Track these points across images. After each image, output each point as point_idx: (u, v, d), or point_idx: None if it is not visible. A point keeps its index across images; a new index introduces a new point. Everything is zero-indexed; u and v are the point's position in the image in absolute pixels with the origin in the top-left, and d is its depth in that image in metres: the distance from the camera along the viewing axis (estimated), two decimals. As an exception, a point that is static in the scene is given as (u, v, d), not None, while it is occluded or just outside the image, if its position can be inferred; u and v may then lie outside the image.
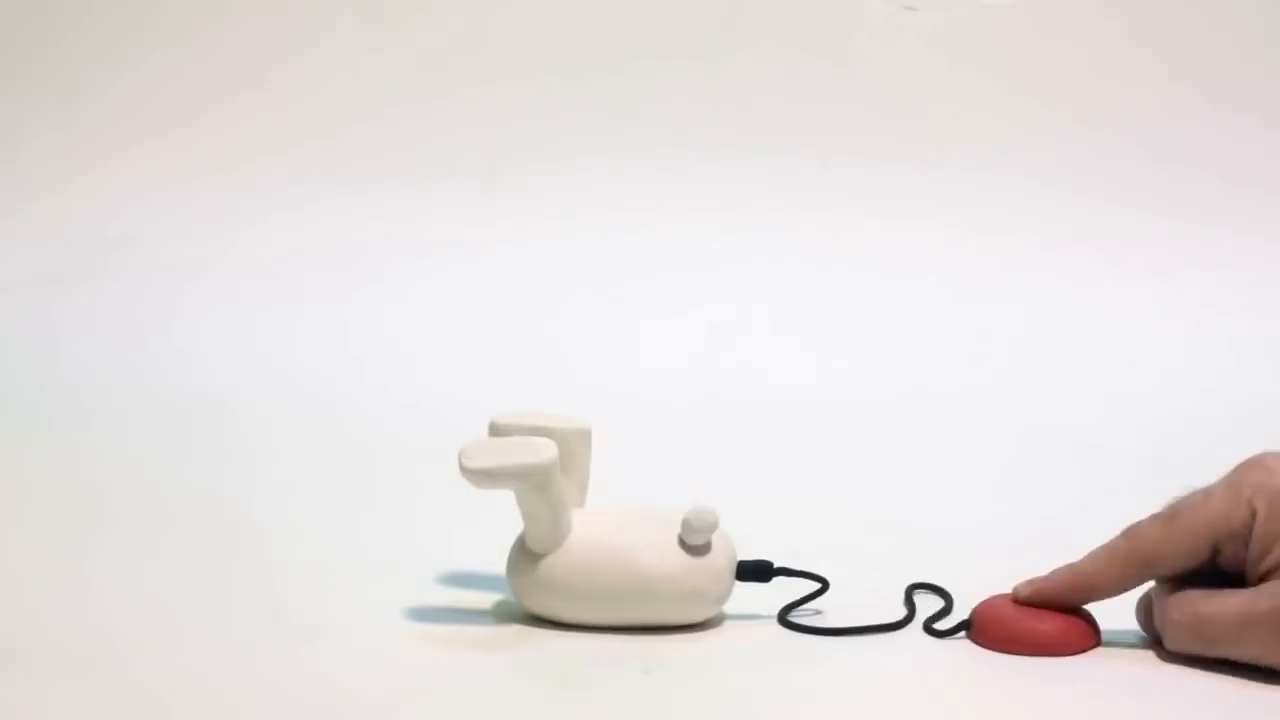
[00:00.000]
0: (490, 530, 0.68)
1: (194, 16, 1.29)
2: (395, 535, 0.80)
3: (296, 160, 1.26)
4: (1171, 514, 0.67)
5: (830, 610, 0.70)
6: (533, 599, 0.66)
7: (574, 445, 0.68)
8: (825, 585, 0.69)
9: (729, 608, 0.68)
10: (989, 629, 0.67)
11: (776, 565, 0.68)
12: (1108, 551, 0.67)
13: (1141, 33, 1.29)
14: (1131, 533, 0.67)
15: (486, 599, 0.69)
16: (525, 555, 0.66)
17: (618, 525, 0.67)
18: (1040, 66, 1.28)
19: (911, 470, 0.97)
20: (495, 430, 0.67)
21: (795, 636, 0.67)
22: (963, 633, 0.67)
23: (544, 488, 0.64)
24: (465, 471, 0.64)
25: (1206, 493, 0.66)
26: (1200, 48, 1.28)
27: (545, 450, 0.64)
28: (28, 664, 0.62)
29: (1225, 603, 0.64)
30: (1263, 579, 0.64)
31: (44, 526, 0.80)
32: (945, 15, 1.28)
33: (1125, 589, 0.68)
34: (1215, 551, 0.66)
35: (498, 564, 0.67)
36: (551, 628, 0.66)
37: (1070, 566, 0.68)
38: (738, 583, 0.68)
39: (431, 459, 0.71)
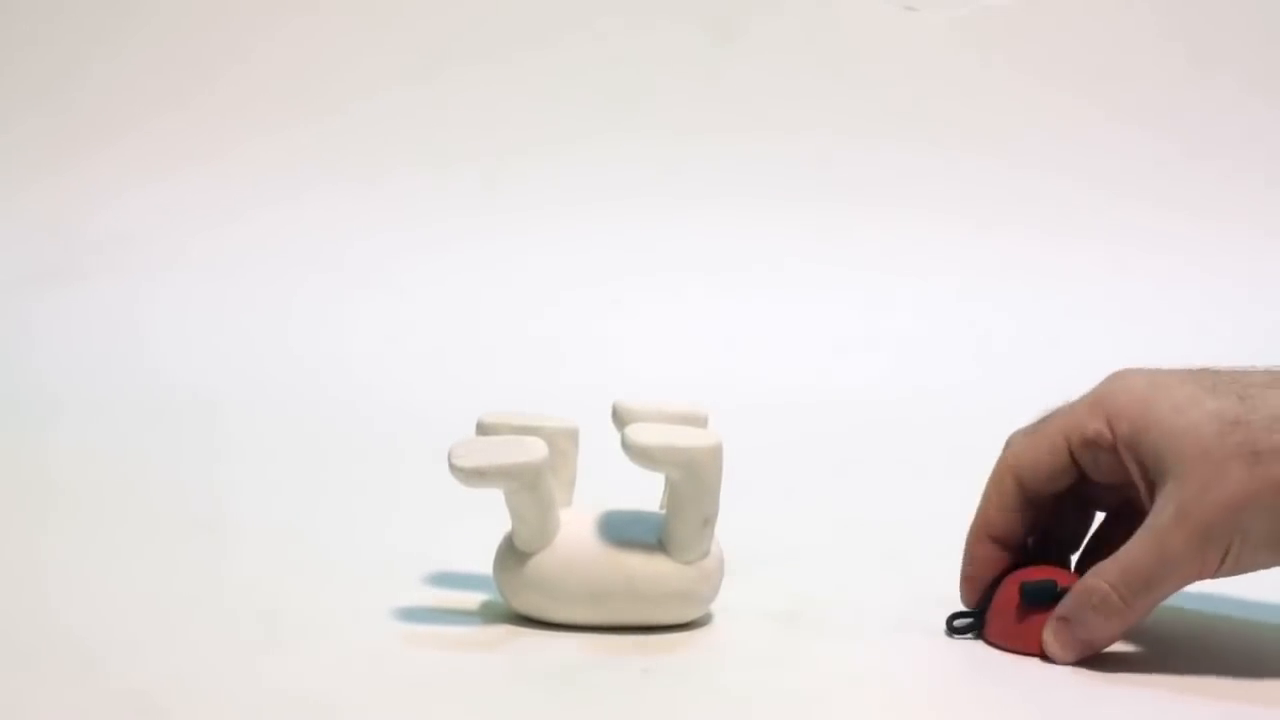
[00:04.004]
0: (477, 529, 0.67)
1: (172, 10, 1.29)
2: (381, 534, 0.80)
3: (287, 155, 1.26)
4: (1037, 423, 0.67)
5: (831, 611, 0.69)
6: (520, 598, 0.66)
7: (562, 444, 0.68)
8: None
9: (725, 608, 0.68)
10: (999, 628, 0.66)
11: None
12: (990, 478, 0.68)
13: (1144, 30, 1.29)
14: (1005, 445, 0.68)
15: (473, 599, 0.69)
16: (513, 555, 0.66)
17: (606, 525, 0.66)
18: (1041, 66, 1.28)
19: (911, 470, 0.96)
20: (483, 429, 0.67)
21: (794, 636, 0.67)
22: (971, 633, 0.67)
23: (534, 487, 0.64)
24: (455, 470, 0.63)
25: (1071, 403, 0.67)
26: (1202, 44, 1.28)
27: (536, 449, 0.64)
28: (16, 665, 0.62)
29: (1133, 543, 0.63)
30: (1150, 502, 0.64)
31: (32, 527, 0.80)
32: (945, 15, 1.28)
33: (1014, 511, 0.67)
34: (1079, 467, 0.66)
35: (484, 563, 0.67)
36: (540, 627, 0.66)
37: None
38: (725, 583, 0.67)
39: (419, 457, 0.71)
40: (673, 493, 0.65)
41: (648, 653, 0.64)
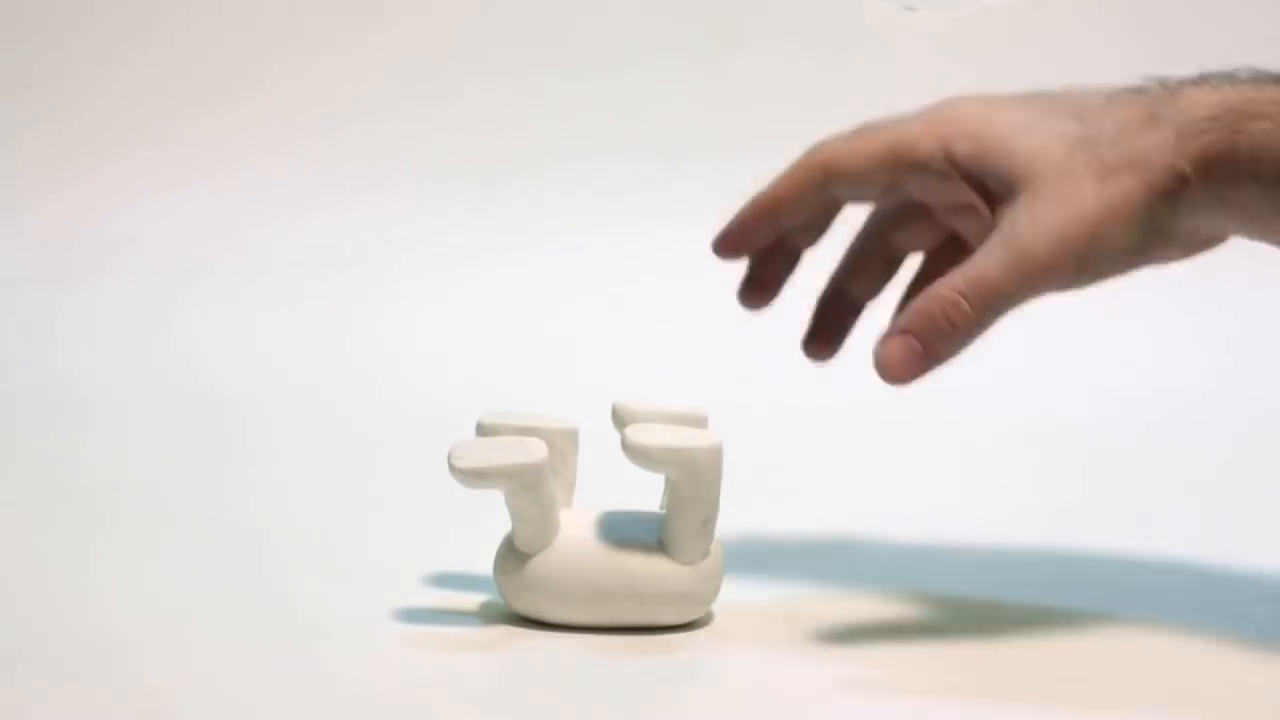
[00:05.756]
0: (476, 530, 0.67)
1: (194, 19, 1.30)
2: (381, 535, 0.80)
3: (296, 162, 1.26)
4: (861, 127, 0.66)
5: (833, 613, 0.69)
6: (520, 599, 0.66)
7: (562, 445, 0.68)
8: None
9: (725, 608, 0.68)
10: None
11: None
12: (792, 165, 0.66)
13: (1143, 32, 1.28)
14: (817, 142, 0.66)
15: (473, 599, 0.69)
16: (513, 555, 0.66)
17: (605, 525, 0.66)
18: (1041, 67, 1.28)
19: (911, 470, 0.96)
20: (482, 430, 0.67)
21: (795, 636, 0.67)
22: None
23: (534, 488, 0.64)
24: (455, 471, 0.63)
25: (896, 119, 0.65)
26: (1201, 47, 1.28)
27: (536, 450, 0.64)
28: (28, 665, 0.62)
29: (982, 253, 0.61)
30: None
31: (43, 527, 0.80)
32: (945, 15, 1.28)
33: (807, 201, 0.67)
34: (894, 183, 0.64)
35: (484, 564, 0.67)
36: (540, 628, 0.66)
37: None
38: (725, 583, 0.67)
39: (420, 458, 0.71)
40: (673, 493, 0.65)
41: (648, 653, 0.64)
